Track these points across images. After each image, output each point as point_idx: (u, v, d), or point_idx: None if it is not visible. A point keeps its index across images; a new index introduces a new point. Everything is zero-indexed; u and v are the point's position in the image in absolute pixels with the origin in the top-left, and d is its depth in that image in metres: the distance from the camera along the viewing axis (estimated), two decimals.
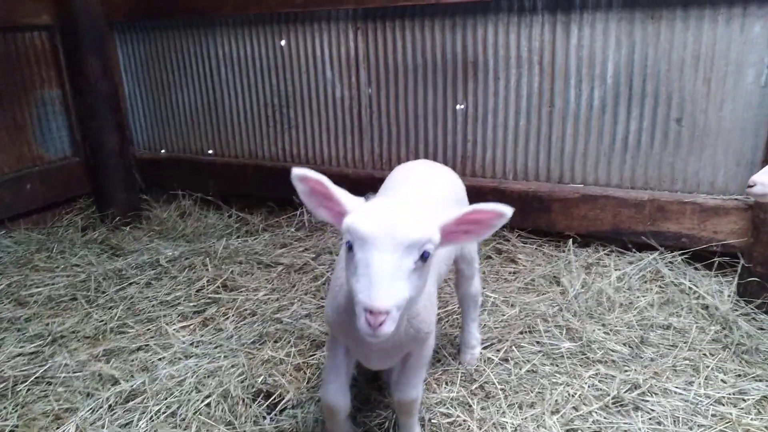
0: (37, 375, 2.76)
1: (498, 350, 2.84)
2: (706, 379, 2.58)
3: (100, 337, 3.12)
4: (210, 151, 4.85)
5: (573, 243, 3.66)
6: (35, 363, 2.88)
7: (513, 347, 2.83)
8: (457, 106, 3.79)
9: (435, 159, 3.97)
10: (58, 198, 4.87)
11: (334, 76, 4.15)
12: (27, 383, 2.72)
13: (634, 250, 3.54)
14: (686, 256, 3.44)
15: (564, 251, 3.65)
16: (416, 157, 4.03)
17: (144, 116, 5.09)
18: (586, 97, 3.48)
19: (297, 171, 1.60)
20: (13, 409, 2.58)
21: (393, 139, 4.07)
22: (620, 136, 3.48)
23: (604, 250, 3.63)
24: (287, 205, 4.53)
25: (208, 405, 2.53)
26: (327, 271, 3.72)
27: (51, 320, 3.28)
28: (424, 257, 1.53)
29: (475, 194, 3.78)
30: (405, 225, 1.50)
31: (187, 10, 4.45)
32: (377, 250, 1.48)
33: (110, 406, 2.56)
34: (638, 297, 3.22)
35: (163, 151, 5.08)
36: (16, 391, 2.68)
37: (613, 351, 2.80)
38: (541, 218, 3.69)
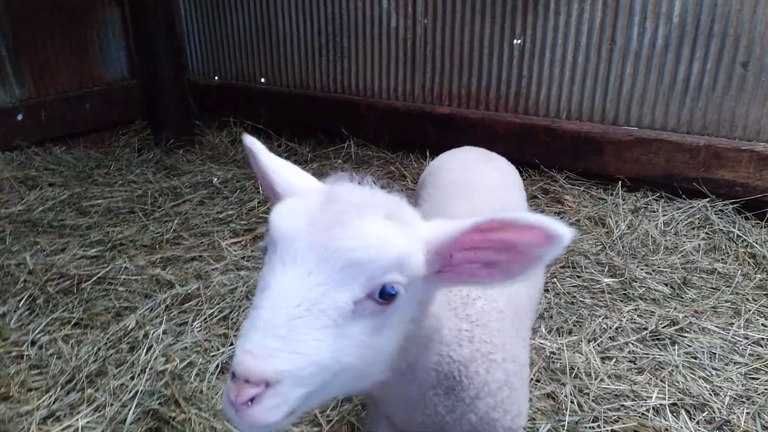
0: (99, 275, 2.94)
1: None
2: (746, 321, 2.59)
3: (157, 246, 3.28)
4: (262, 80, 4.90)
5: (622, 187, 3.62)
6: (97, 265, 3.06)
7: (554, 279, 2.87)
8: (515, 41, 3.73)
9: (488, 95, 3.94)
10: (116, 119, 5.03)
11: (390, 5, 4.11)
12: (90, 282, 2.90)
13: (684, 196, 3.50)
14: (738, 205, 3.38)
15: (612, 194, 3.63)
16: (468, 93, 4.01)
17: (199, 42, 5.16)
18: (650, 35, 3.38)
19: (247, 140, 1.17)
20: (78, 303, 2.76)
21: (446, 73, 4.04)
22: (681, 78, 3.38)
23: (653, 195, 3.59)
24: (335, 137, 4.58)
25: None
26: None
27: (111, 229, 3.46)
28: (387, 295, 0.91)
29: (526, 133, 3.79)
30: (351, 225, 0.90)
31: None
32: (284, 261, 0.90)
33: (167, 306, 2.72)
34: (684, 242, 3.20)
35: (216, 77, 5.16)
36: (81, 288, 2.87)
37: (654, 289, 2.82)
38: (592, 160, 3.65)
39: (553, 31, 3.60)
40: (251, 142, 1.15)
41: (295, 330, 0.85)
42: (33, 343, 2.52)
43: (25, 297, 2.77)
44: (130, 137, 5.05)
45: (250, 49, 4.88)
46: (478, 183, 1.78)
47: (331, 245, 0.89)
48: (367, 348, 0.92)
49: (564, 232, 0.87)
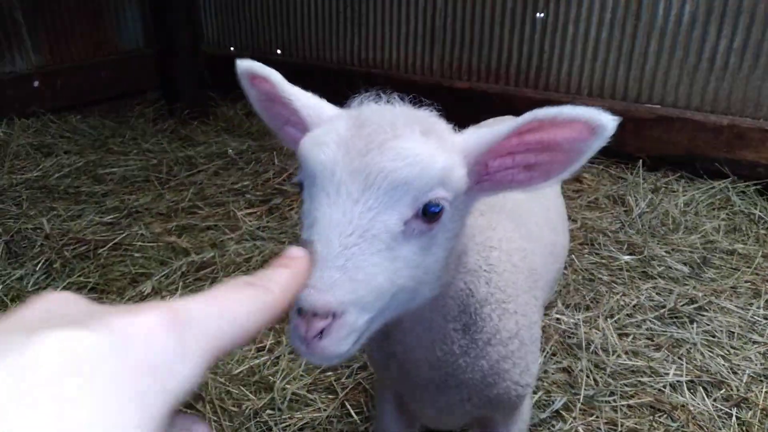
0: (115, 241, 2.95)
1: None
2: (766, 302, 2.55)
3: (173, 214, 3.28)
4: (278, 51, 4.86)
5: (642, 166, 3.57)
6: (113, 231, 3.07)
7: (572, 256, 2.84)
8: (537, 14, 3.66)
9: (507, 70, 3.88)
10: (130, 88, 5.01)
11: None
12: (106, 248, 2.90)
13: (705, 176, 3.44)
14: (760, 186, 3.33)
15: (632, 173, 3.58)
16: (487, 67, 3.95)
17: (216, 12, 5.11)
18: (676, 11, 3.30)
19: (242, 64, 1.06)
20: (94, 269, 2.77)
21: (466, 46, 3.98)
22: (707, 56, 3.31)
23: (674, 174, 3.53)
24: None
25: None
26: None
27: (126, 197, 3.46)
28: (431, 213, 0.88)
29: None
30: (389, 146, 0.87)
31: None
32: (329, 193, 0.87)
33: (182, 273, 2.72)
34: (704, 222, 3.16)
35: (232, 48, 5.12)
36: (98, 253, 2.88)
37: (673, 268, 2.78)
38: (613, 138, 3.59)
39: (577, 5, 3.53)
40: (268, 70, 1.05)
41: (352, 258, 0.83)
42: None
43: (42, 261, 2.78)
44: (144, 107, 5.03)
45: (266, 19, 4.83)
46: None
47: (373, 169, 0.86)
48: (419, 267, 0.91)
49: (607, 121, 0.85)
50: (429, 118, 0.96)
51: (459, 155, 0.93)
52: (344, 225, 0.84)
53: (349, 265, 0.83)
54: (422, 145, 0.88)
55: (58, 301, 0.43)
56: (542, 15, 3.63)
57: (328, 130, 0.92)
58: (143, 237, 2.99)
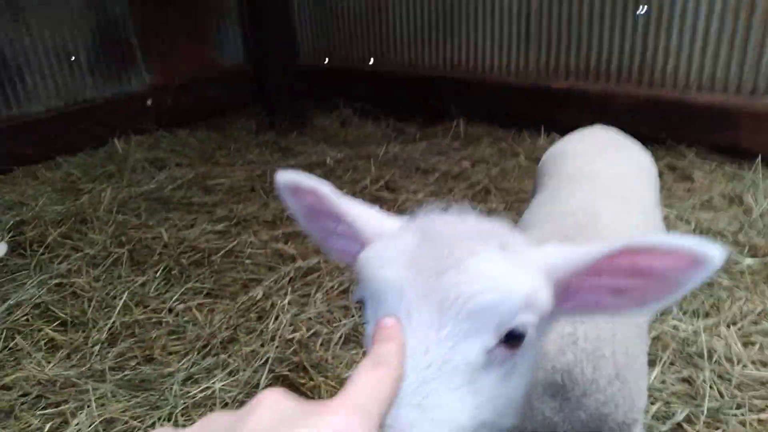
0: (227, 248, 3.10)
1: None
2: None
3: (278, 222, 3.41)
4: (371, 61, 4.95)
5: (761, 162, 3.34)
6: (225, 239, 3.23)
7: None
8: (638, 11, 3.52)
9: (608, 67, 3.76)
10: (233, 102, 5.27)
11: None
12: (219, 255, 3.06)
13: None
14: None
15: (749, 171, 3.35)
16: (586, 66, 3.83)
17: (311, 27, 5.28)
18: None
19: (283, 177, 0.98)
20: (209, 275, 2.93)
21: (563, 46, 3.89)
22: None
23: None
24: (445, 115, 4.55)
25: None
26: (483, 179, 3.73)
27: (234, 206, 3.63)
28: (515, 338, 0.80)
29: (652, 106, 3.58)
30: (466, 266, 0.78)
31: None
32: (398, 318, 0.77)
33: (290, 279, 2.82)
34: None
35: (327, 60, 5.26)
36: (211, 260, 3.04)
37: None
38: (726, 134, 3.39)
39: None
40: (297, 179, 0.96)
41: (430, 395, 0.75)
42: (170, 310, 2.71)
43: (161, 268, 2.97)
44: (246, 120, 5.27)
45: (359, 32, 4.93)
46: (602, 174, 1.59)
47: (451, 292, 0.77)
48: (501, 397, 0.83)
49: (714, 254, 0.73)
50: (504, 230, 0.87)
51: (543, 274, 0.83)
52: (419, 356, 0.75)
53: (427, 403, 0.74)
54: (503, 264, 0.80)
55: (276, 401, 0.55)
56: (644, 10, 3.48)
57: (393, 245, 0.83)
58: (252, 244, 3.13)
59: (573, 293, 0.86)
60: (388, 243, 0.85)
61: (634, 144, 1.89)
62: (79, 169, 4.26)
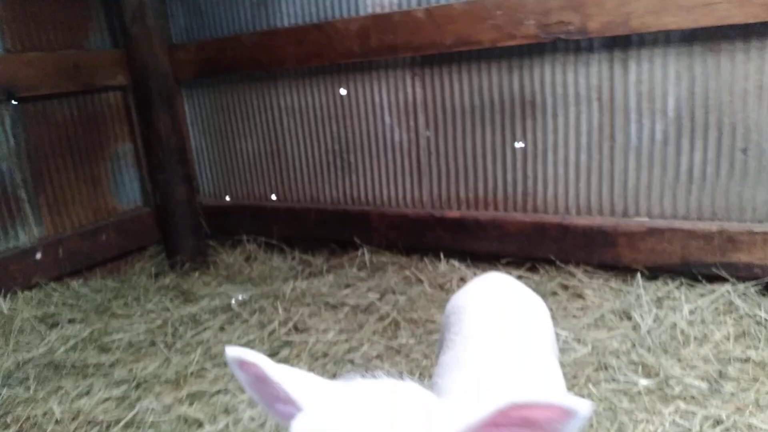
0: (127, 419, 2.89)
1: (573, 386, 2.83)
2: None
3: (182, 380, 3.24)
4: (273, 197, 5.03)
5: (641, 277, 3.62)
6: (124, 407, 3.02)
7: (589, 384, 2.81)
8: (516, 144, 3.86)
9: (495, 196, 4.03)
10: (131, 247, 5.12)
11: (392, 121, 4.29)
12: (119, 427, 2.85)
13: (704, 282, 3.49)
14: (760, 287, 3.36)
15: (632, 285, 3.62)
16: (476, 196, 4.09)
17: (210, 166, 5.34)
18: (648, 130, 3.50)
19: (232, 353, 1.11)
20: None
21: (452, 178, 4.15)
22: (684, 168, 3.47)
23: (673, 282, 3.58)
24: (348, 246, 4.64)
25: None
26: (392, 312, 3.77)
27: (134, 365, 3.43)
28: None
29: (537, 230, 3.84)
30: None
31: (251, 66, 4.68)
32: None
33: None
34: (713, 330, 3.16)
35: (227, 198, 5.29)
36: None
37: (691, 386, 2.75)
38: (607, 253, 3.68)
39: (553, 133, 3.73)
40: (255, 356, 1.07)
41: None
42: None
43: None
44: (145, 263, 5.12)
45: (259, 170, 5.04)
46: (503, 333, 1.70)
47: None
48: None
49: (581, 407, 0.89)
50: (421, 406, 0.97)
51: None
52: None
53: None
54: (420, 424, 0.90)
55: None
56: (521, 145, 3.82)
57: (325, 411, 0.92)
58: (154, 411, 2.94)
59: None
60: (314, 411, 0.93)
61: (526, 291, 1.99)
62: None
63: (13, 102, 4.38)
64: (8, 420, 2.93)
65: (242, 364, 1.08)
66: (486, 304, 1.87)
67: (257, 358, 1.06)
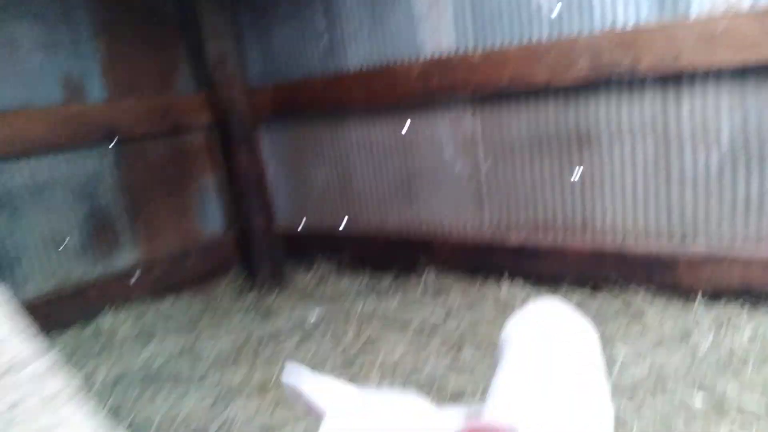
0: (217, 423, 3.24)
1: (630, 405, 2.97)
2: None
3: (265, 390, 3.57)
4: (343, 224, 5.39)
5: (701, 299, 3.71)
6: (214, 414, 3.37)
7: (646, 404, 2.95)
8: (573, 176, 4.04)
9: (554, 224, 4.22)
10: (215, 269, 5.59)
11: (454, 153, 4.56)
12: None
13: (766, 305, 3.55)
14: None
15: (692, 308, 3.71)
16: (535, 224, 4.29)
17: (286, 196, 5.76)
18: (703, 161, 3.62)
19: (288, 375, 1.20)
20: None
21: (512, 207, 4.37)
22: (741, 197, 3.56)
23: (733, 306, 3.64)
24: (413, 270, 4.92)
25: None
26: (455, 331, 4.00)
27: (222, 376, 3.80)
28: None
29: (597, 257, 4.00)
30: None
31: (322, 107, 5.09)
32: None
33: None
34: None
35: (302, 225, 5.69)
36: None
37: (748, 408, 2.84)
38: (667, 277, 3.79)
39: (610, 164, 3.90)
40: (308, 384, 1.14)
41: None
42: None
43: None
44: (228, 284, 5.56)
45: (330, 199, 5.42)
46: (542, 357, 1.76)
47: None
48: None
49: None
50: (421, 414, 1.07)
51: None
52: None
53: None
54: None
55: None
56: (578, 178, 4.00)
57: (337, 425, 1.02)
58: (239, 419, 3.27)
59: None
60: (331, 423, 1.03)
61: (577, 318, 2.06)
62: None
63: (114, 143, 4.95)
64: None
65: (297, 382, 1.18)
66: (532, 330, 1.96)
67: (305, 377, 1.15)
